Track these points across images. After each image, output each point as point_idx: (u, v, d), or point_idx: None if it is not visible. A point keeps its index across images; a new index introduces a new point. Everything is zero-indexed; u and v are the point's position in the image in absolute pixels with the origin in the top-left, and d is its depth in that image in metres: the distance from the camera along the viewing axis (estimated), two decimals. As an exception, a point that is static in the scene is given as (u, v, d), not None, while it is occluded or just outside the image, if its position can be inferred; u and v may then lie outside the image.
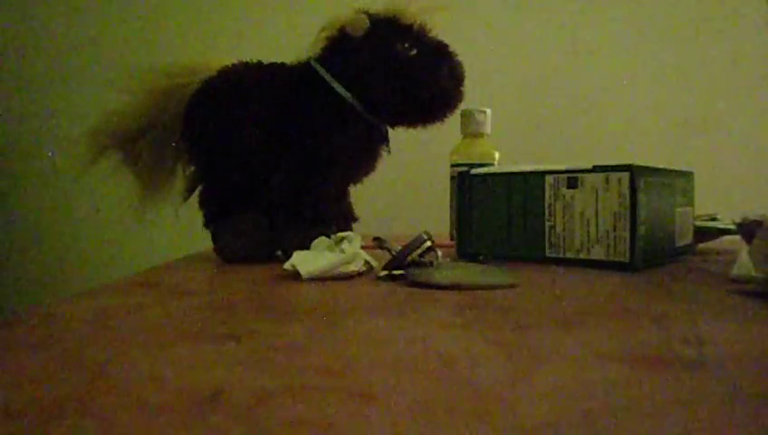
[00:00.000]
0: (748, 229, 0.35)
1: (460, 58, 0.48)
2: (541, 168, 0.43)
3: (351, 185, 0.52)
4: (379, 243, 0.40)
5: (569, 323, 0.23)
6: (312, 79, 0.47)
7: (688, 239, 0.47)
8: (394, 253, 0.37)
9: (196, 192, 0.51)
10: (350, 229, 0.51)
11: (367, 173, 0.51)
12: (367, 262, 0.38)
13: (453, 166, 0.62)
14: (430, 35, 0.47)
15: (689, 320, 0.23)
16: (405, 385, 0.15)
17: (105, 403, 0.14)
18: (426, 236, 0.37)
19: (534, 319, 0.24)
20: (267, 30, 0.93)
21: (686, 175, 0.46)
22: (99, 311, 0.26)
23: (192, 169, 0.51)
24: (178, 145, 0.50)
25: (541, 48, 0.97)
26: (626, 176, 0.38)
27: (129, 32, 0.92)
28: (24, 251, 0.92)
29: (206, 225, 0.49)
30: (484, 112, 0.62)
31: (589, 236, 0.40)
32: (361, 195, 0.55)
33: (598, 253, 0.40)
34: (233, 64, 0.50)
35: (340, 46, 0.47)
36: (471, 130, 0.62)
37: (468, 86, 0.48)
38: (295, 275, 0.36)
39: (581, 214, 0.41)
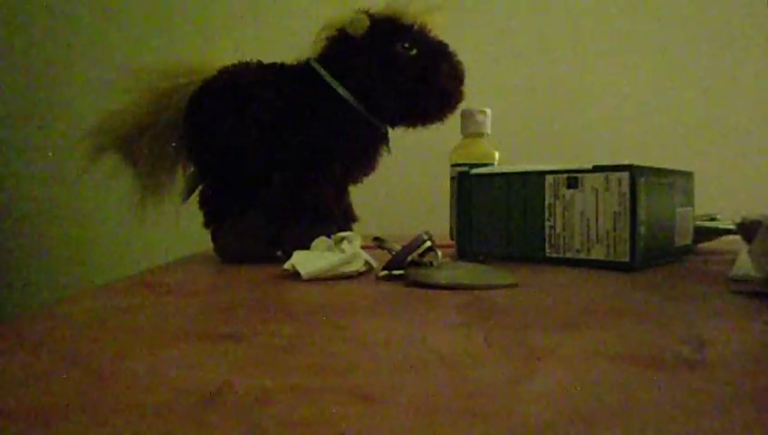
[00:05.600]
0: (748, 229, 0.35)
1: (460, 58, 0.48)
2: (541, 168, 0.43)
3: (351, 185, 0.52)
4: (379, 243, 0.40)
5: (569, 323, 0.23)
6: (312, 79, 0.47)
7: (688, 239, 0.47)
8: (394, 253, 0.37)
9: (197, 192, 0.51)
10: (350, 229, 0.51)
11: (367, 173, 0.51)
12: (367, 262, 0.38)
13: (453, 166, 0.62)
14: (430, 35, 0.47)
15: (689, 320, 0.23)
16: (405, 385, 0.15)
17: (105, 403, 0.14)
18: (426, 236, 0.37)
19: (534, 319, 0.24)
20: (267, 30, 0.93)
21: (686, 175, 0.46)
22: (99, 311, 0.26)
23: (192, 169, 0.51)
24: (178, 145, 0.50)
25: (541, 48, 0.97)
26: (626, 176, 0.38)
27: (129, 32, 0.92)
28: (25, 251, 0.92)
29: (206, 225, 0.49)
30: (484, 112, 0.62)
31: (589, 236, 0.40)
32: (361, 195, 0.55)
33: (598, 253, 0.40)
34: (233, 64, 0.50)
35: (340, 46, 0.47)
36: (471, 130, 0.62)
37: (468, 86, 0.48)
38: (295, 275, 0.36)
39: (581, 214, 0.41)
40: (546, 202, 0.43)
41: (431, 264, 0.37)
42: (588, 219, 0.40)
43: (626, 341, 0.20)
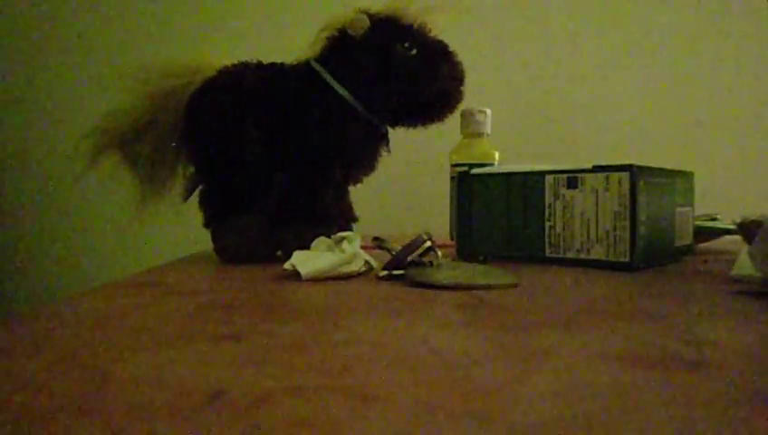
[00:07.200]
0: (748, 229, 0.35)
1: (460, 58, 0.48)
2: (541, 168, 0.43)
3: (351, 185, 0.52)
4: (379, 243, 0.40)
5: (569, 323, 0.23)
6: (312, 79, 0.47)
7: (688, 239, 0.47)
8: (394, 253, 0.37)
9: (196, 192, 0.51)
10: (350, 229, 0.51)
11: (367, 173, 0.51)
12: (367, 262, 0.38)
13: (453, 166, 0.62)
14: (430, 35, 0.47)
15: (689, 320, 0.23)
16: (405, 385, 0.15)
17: (105, 403, 0.14)
18: (426, 236, 0.37)
19: (534, 319, 0.24)
20: (267, 30, 0.93)
21: (686, 175, 0.46)
22: (99, 311, 0.26)
23: (192, 169, 0.52)
24: (178, 145, 0.50)
25: (541, 48, 0.97)
26: (626, 176, 0.38)
27: (129, 32, 0.92)
28: (25, 251, 0.92)
29: (206, 225, 0.49)
30: (484, 112, 0.62)
31: (589, 236, 0.40)
32: (361, 195, 0.55)
33: (598, 253, 0.40)
34: (233, 64, 0.50)
35: (340, 46, 0.47)
36: (471, 130, 0.62)
37: (468, 86, 0.48)
38: (295, 275, 0.36)
39: (581, 214, 0.41)
40: (546, 202, 0.43)
41: (431, 264, 0.37)
42: (588, 219, 0.40)
43: (626, 341, 0.20)
